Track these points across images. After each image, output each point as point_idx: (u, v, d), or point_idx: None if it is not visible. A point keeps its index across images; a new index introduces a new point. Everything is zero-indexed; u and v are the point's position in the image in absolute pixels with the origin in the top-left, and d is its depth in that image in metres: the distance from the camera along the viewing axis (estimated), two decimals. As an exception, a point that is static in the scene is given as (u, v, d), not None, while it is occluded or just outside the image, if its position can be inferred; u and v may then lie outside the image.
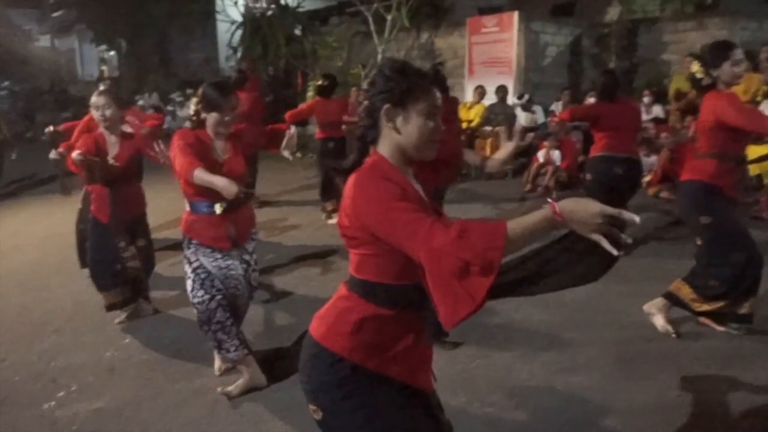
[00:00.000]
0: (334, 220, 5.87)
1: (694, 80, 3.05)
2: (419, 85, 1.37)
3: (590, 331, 3.31)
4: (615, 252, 1.19)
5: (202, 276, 2.66)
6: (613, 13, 9.34)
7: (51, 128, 4.54)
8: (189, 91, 15.10)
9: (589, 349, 3.08)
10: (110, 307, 3.60)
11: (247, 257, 2.83)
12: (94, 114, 3.40)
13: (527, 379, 2.80)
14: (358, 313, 1.39)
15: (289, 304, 3.85)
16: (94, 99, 3.38)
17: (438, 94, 1.39)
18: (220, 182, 2.44)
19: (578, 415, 2.52)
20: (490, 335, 3.23)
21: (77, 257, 4.36)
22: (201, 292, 2.65)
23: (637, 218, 1.20)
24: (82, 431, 2.54)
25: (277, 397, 2.71)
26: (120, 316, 3.65)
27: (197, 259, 2.68)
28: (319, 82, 6.08)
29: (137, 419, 2.61)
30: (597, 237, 1.18)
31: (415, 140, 1.37)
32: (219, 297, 2.65)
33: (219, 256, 2.70)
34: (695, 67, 2.99)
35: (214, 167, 2.57)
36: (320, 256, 4.80)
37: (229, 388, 2.74)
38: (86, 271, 4.51)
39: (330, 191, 5.93)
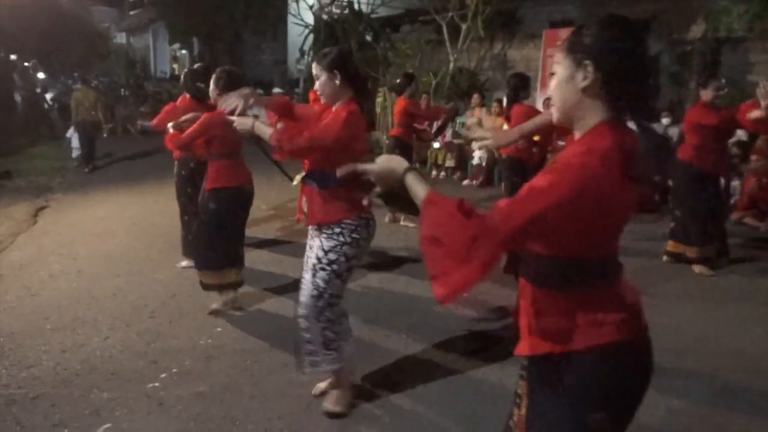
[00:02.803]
0: (408, 224, 5.83)
1: None
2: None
3: (686, 357, 3.17)
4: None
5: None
6: (696, 31, 8.97)
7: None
8: (259, 91, 15.54)
9: (687, 376, 2.96)
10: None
11: (318, 252, 2.42)
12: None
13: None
14: None
15: (370, 310, 3.89)
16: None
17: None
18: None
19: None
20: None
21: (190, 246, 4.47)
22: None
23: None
24: (188, 413, 2.63)
25: (371, 400, 2.74)
26: (211, 307, 3.76)
27: (310, 246, 2.58)
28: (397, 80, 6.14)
29: (239, 406, 2.69)
30: None
31: None
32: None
33: (310, 237, 2.56)
34: None
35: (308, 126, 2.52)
36: (392, 262, 4.83)
37: (321, 385, 2.78)
38: (174, 260, 4.74)
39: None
